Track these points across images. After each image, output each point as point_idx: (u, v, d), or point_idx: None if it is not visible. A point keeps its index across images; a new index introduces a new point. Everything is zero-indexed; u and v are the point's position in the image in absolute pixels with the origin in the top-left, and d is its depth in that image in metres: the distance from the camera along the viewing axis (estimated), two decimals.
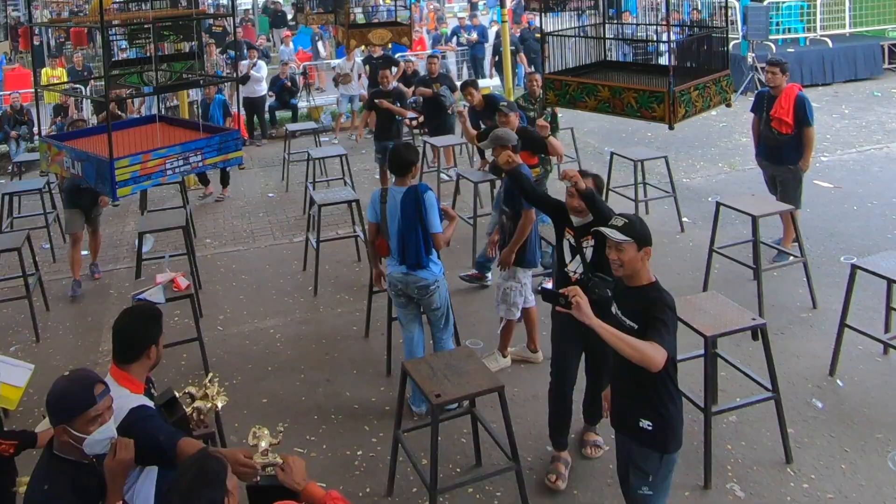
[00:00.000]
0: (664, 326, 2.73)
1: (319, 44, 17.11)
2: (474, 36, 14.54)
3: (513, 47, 12.22)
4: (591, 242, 3.62)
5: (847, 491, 3.66)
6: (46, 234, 7.37)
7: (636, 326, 2.78)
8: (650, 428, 2.87)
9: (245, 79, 10.69)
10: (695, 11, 5.11)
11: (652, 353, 2.62)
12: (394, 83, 8.26)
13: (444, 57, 13.55)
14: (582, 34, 4.48)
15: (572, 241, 3.73)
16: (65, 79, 12.16)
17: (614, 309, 2.98)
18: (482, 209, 6.86)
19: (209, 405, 3.00)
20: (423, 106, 9.03)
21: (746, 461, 3.92)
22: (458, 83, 8.59)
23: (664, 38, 3.98)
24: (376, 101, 8.22)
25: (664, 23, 4.02)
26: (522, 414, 4.34)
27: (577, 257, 3.69)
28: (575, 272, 3.68)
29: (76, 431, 2.28)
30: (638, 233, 2.89)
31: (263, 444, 2.52)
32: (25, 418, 4.63)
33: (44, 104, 11.35)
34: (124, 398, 2.53)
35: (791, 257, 5.85)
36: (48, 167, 4.02)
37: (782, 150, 6.02)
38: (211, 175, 9.04)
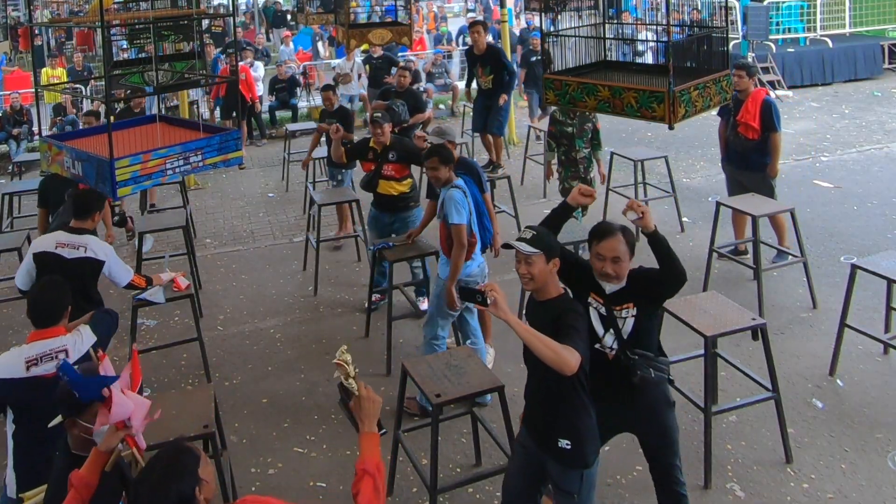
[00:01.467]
0: (576, 332, 2.73)
1: (319, 44, 17.11)
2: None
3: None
4: (633, 311, 2.99)
5: (847, 491, 3.66)
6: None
7: None
8: (569, 447, 2.87)
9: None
10: (694, 11, 5.09)
11: (567, 356, 2.62)
12: (338, 104, 7.41)
13: (448, 57, 13.56)
14: (581, 34, 4.47)
15: (602, 310, 3.05)
16: (65, 79, 12.16)
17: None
18: None
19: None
20: None
21: (746, 461, 3.92)
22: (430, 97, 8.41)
23: (664, 38, 3.97)
24: (319, 127, 7.51)
25: (661, 22, 4.02)
26: None
27: (612, 330, 3.04)
28: (611, 349, 3.03)
29: (85, 423, 2.37)
30: (547, 245, 2.88)
31: (351, 371, 2.48)
32: None
33: (44, 104, 11.36)
34: (72, 334, 3.09)
35: (790, 256, 5.86)
36: (48, 167, 4.02)
37: (749, 156, 5.96)
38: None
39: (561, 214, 3.21)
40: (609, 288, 3.01)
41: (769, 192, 5.92)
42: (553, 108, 6.63)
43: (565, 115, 6.38)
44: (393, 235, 5.42)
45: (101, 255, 4.13)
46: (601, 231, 3.01)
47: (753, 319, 3.96)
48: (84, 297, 4.02)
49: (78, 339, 3.11)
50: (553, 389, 2.84)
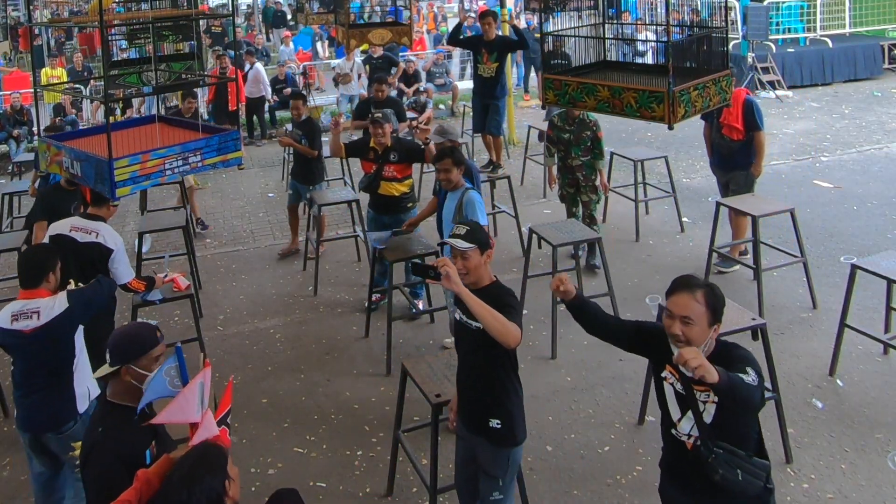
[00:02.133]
0: (514, 310, 2.84)
1: (318, 44, 17.12)
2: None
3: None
4: (714, 395, 2.40)
5: (847, 491, 3.66)
6: None
7: (481, 326, 2.81)
8: (499, 426, 2.95)
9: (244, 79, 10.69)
10: (693, 13, 5.09)
11: (513, 329, 2.73)
12: (305, 115, 6.97)
13: (448, 57, 13.55)
14: (580, 34, 4.47)
15: (679, 387, 2.52)
16: (65, 79, 12.16)
17: (458, 315, 3.01)
18: None
19: None
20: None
21: None
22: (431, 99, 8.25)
23: (664, 38, 3.97)
24: (279, 139, 7.18)
25: (661, 22, 4.02)
26: None
27: (689, 413, 2.50)
28: (689, 436, 2.51)
29: (140, 369, 2.56)
30: (480, 238, 2.95)
31: None
32: None
33: (43, 104, 11.35)
34: (52, 298, 3.31)
35: (738, 265, 5.93)
36: (47, 167, 4.02)
37: (734, 157, 5.97)
38: None
39: (578, 306, 2.79)
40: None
41: (748, 189, 5.97)
42: (554, 110, 6.60)
43: (563, 121, 6.18)
44: (394, 230, 5.41)
45: (111, 244, 4.18)
46: (676, 283, 2.54)
47: (753, 319, 3.96)
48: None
49: (51, 305, 3.31)
50: (483, 371, 2.92)
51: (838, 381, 4.55)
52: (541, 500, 3.70)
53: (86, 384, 3.47)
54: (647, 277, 6.08)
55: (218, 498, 2.08)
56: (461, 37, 8.30)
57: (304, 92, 7.56)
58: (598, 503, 3.71)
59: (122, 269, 4.25)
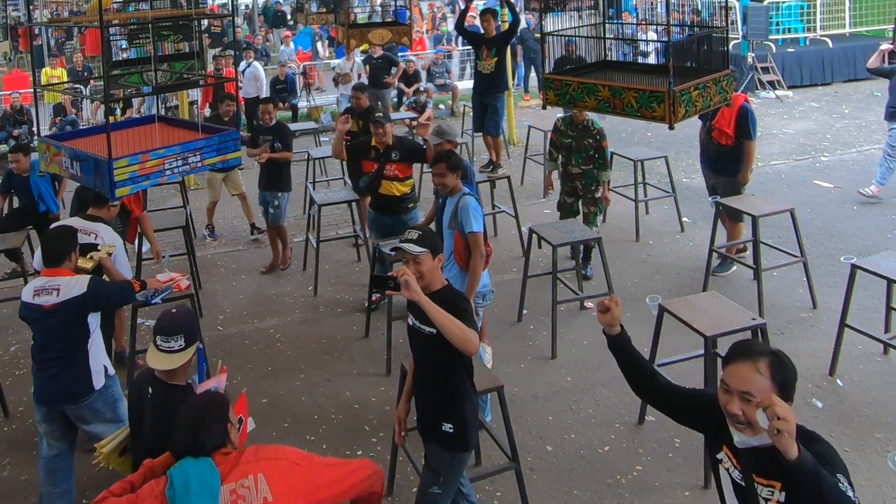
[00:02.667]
0: (469, 315, 2.84)
1: (318, 44, 17.11)
2: None
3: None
4: (780, 496, 2.02)
5: None
6: None
7: (435, 331, 2.82)
8: (451, 431, 2.96)
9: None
10: (693, 14, 5.08)
11: (472, 336, 2.73)
12: (275, 120, 6.61)
13: (448, 57, 13.55)
14: (581, 34, 4.47)
15: (737, 475, 2.12)
16: (65, 79, 12.16)
17: (410, 321, 3.03)
18: None
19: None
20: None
21: None
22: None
23: (664, 38, 3.97)
24: (256, 159, 6.60)
25: (661, 22, 4.02)
26: (522, 414, 4.34)
27: None
28: None
29: None
30: (431, 243, 2.97)
31: None
32: (26, 418, 4.63)
33: (44, 104, 11.36)
34: (75, 277, 3.53)
35: (735, 266, 5.90)
36: (47, 167, 4.02)
37: (722, 161, 5.95)
38: None
39: (621, 348, 2.47)
40: (739, 440, 2.05)
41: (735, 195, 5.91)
42: (558, 117, 6.52)
43: (567, 126, 5.97)
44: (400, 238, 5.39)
45: (109, 244, 4.24)
46: (734, 350, 2.13)
47: (753, 319, 3.96)
48: None
49: (71, 284, 3.49)
50: (438, 376, 2.92)
51: (838, 381, 4.55)
52: (541, 500, 3.70)
53: (101, 362, 3.62)
54: (647, 277, 6.08)
55: (221, 443, 2.29)
56: (467, 28, 8.19)
57: (274, 99, 7.18)
58: (598, 503, 3.71)
59: (120, 270, 4.28)
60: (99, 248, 4.07)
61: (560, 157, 6.05)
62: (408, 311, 3.08)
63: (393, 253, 5.15)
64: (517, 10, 7.77)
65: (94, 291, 3.53)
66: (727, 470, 2.15)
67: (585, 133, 5.86)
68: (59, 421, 3.62)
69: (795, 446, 1.80)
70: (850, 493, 1.90)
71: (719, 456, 2.18)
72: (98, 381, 3.57)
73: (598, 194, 5.94)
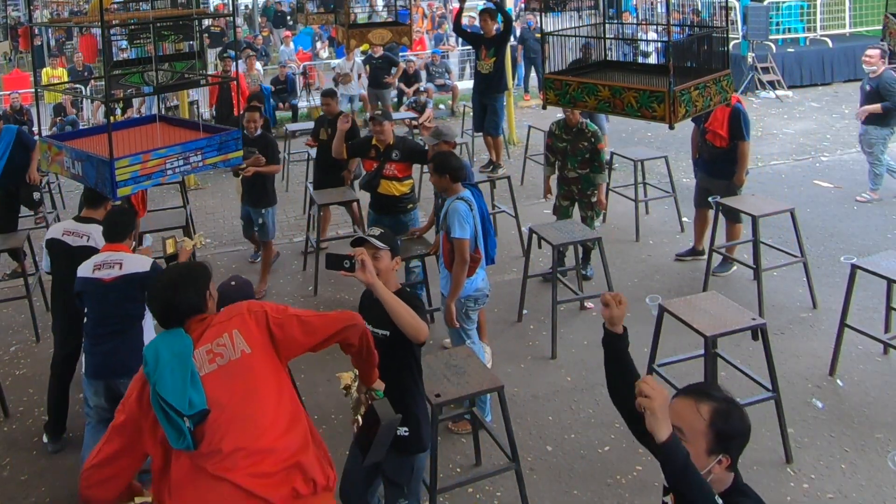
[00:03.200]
0: (422, 313, 2.88)
1: (318, 43, 17.10)
2: None
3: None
4: None
5: (847, 491, 3.66)
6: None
7: (388, 333, 2.85)
8: (407, 434, 2.97)
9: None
10: (693, 14, 5.08)
11: (423, 324, 2.78)
12: (260, 130, 6.23)
13: (445, 57, 13.55)
14: (581, 34, 4.47)
15: None
16: (66, 79, 12.17)
17: None
18: None
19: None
20: (317, 153, 7.10)
21: (746, 461, 3.90)
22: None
23: (664, 37, 3.97)
24: (242, 174, 6.12)
25: (661, 22, 4.02)
26: (522, 414, 4.34)
27: None
28: None
29: None
30: (392, 242, 3.04)
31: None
32: (26, 418, 4.63)
33: (44, 104, 11.35)
34: (137, 256, 3.78)
35: (735, 266, 5.91)
36: (48, 167, 4.02)
37: (716, 164, 5.93)
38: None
39: (613, 348, 2.32)
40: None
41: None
42: (553, 121, 6.45)
43: (562, 129, 5.88)
44: (402, 238, 5.40)
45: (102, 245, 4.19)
46: (688, 387, 2.11)
47: (753, 319, 3.97)
48: None
49: (135, 260, 3.71)
50: (390, 378, 2.88)
51: (838, 381, 4.56)
52: (541, 500, 3.70)
53: (152, 335, 3.67)
54: (647, 277, 6.09)
55: (197, 306, 2.35)
56: (465, 28, 8.13)
57: (259, 107, 6.56)
58: (598, 503, 3.71)
59: None
60: (183, 239, 4.22)
61: (556, 161, 6.00)
62: (360, 311, 3.04)
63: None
64: (509, 12, 7.78)
65: (155, 273, 3.65)
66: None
67: (580, 136, 5.79)
68: (110, 398, 3.70)
69: (665, 429, 1.80)
70: None
71: (665, 499, 2.13)
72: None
73: (595, 198, 5.88)
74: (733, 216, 5.86)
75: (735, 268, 5.97)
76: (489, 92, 7.34)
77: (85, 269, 3.70)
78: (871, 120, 7.18)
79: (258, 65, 12.40)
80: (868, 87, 7.14)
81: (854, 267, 4.56)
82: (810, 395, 4.42)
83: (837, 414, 4.26)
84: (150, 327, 3.76)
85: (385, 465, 3.03)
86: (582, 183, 5.86)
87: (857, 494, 3.63)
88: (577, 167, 5.83)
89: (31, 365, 5.21)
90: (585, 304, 5.61)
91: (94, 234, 4.21)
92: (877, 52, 7.15)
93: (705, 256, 5.94)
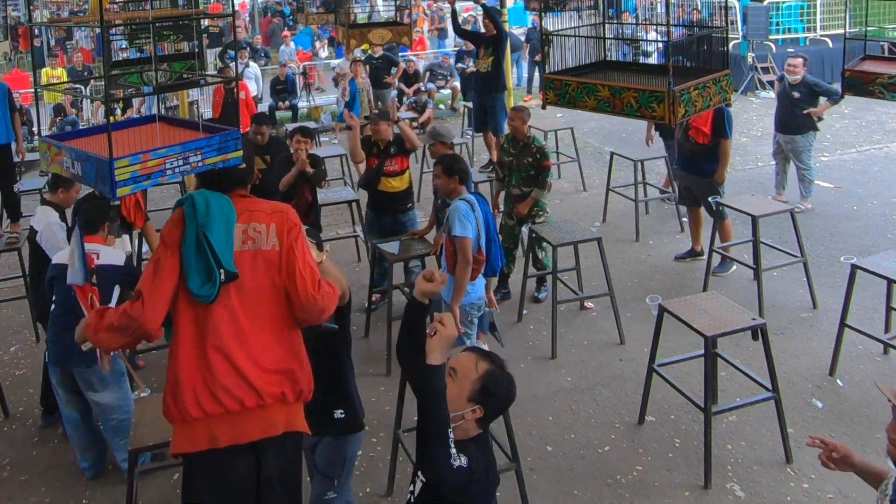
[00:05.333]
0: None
1: (317, 43, 17.08)
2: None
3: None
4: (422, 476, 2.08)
5: (847, 491, 3.66)
6: None
7: None
8: (343, 416, 2.98)
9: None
10: (694, 11, 5.09)
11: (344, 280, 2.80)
12: (269, 134, 6.14)
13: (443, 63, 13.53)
14: (582, 34, 4.48)
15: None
16: (65, 79, 12.16)
17: None
18: None
19: None
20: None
21: (746, 461, 3.92)
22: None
23: (664, 37, 3.97)
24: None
25: (662, 22, 4.02)
26: (522, 414, 4.34)
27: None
28: None
29: None
30: (318, 239, 3.08)
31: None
32: (26, 418, 4.63)
33: (43, 104, 11.35)
34: (113, 249, 3.91)
35: (735, 265, 5.89)
36: (48, 167, 4.01)
37: (697, 161, 5.93)
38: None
39: (415, 316, 2.28)
40: None
41: (714, 196, 5.92)
42: (503, 136, 6.02)
43: (509, 143, 5.60)
44: (402, 238, 5.39)
45: (37, 225, 4.47)
46: (473, 348, 2.44)
47: (753, 319, 3.96)
48: None
49: (110, 252, 3.84)
50: (324, 361, 2.84)
51: (838, 381, 4.56)
52: (541, 500, 3.70)
53: None
54: (647, 277, 6.09)
55: (242, 181, 2.62)
56: (464, 28, 8.09)
57: (266, 120, 6.31)
58: (598, 503, 3.71)
59: (49, 248, 4.40)
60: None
61: (505, 176, 5.70)
62: None
63: (394, 252, 5.16)
64: (499, 20, 7.78)
65: (129, 269, 3.81)
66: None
67: (525, 151, 5.49)
68: (70, 388, 3.82)
69: (440, 356, 2.02)
70: (458, 462, 1.96)
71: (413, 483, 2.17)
72: None
73: (540, 220, 5.56)
74: (718, 215, 5.87)
75: (735, 267, 5.97)
76: (487, 91, 7.34)
77: (60, 256, 3.78)
78: (795, 129, 7.13)
79: (253, 62, 12.35)
80: (797, 94, 7.05)
81: (854, 267, 4.57)
82: (810, 395, 4.42)
83: (837, 414, 4.26)
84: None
85: (318, 453, 3.01)
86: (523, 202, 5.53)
87: (857, 494, 3.63)
88: (521, 183, 5.53)
89: (31, 365, 5.20)
90: (585, 304, 5.61)
91: (38, 214, 4.52)
92: (800, 60, 7.23)
93: (704, 257, 5.95)
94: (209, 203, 2.40)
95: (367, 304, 5.59)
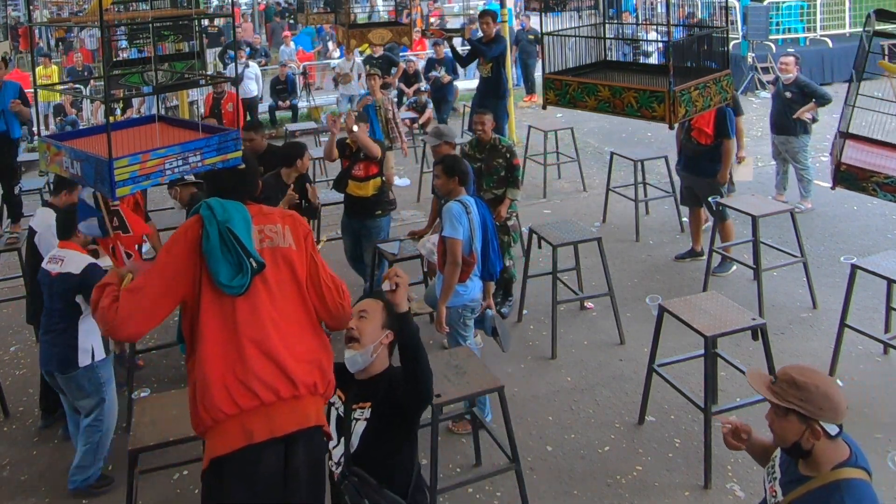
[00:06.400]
0: None
1: (330, 43, 17.01)
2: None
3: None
4: (366, 413, 2.46)
5: None
6: None
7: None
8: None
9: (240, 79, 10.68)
10: (692, 17, 5.12)
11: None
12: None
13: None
14: (581, 34, 4.48)
15: (341, 409, 2.54)
16: (55, 78, 12.15)
17: None
18: None
19: None
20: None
21: (746, 461, 3.91)
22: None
23: (664, 38, 3.97)
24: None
25: (662, 22, 4.02)
26: (522, 414, 4.34)
27: (343, 440, 2.47)
28: (337, 464, 2.46)
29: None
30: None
31: None
32: (25, 418, 4.63)
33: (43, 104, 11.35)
34: (79, 255, 3.86)
35: (735, 265, 5.89)
36: (47, 167, 4.01)
37: (700, 161, 5.94)
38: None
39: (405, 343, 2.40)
40: (349, 356, 2.48)
41: (715, 196, 5.92)
42: (464, 144, 5.73)
43: (475, 148, 5.41)
44: (402, 239, 5.38)
45: (36, 226, 4.49)
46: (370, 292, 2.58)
47: (753, 319, 3.96)
48: None
49: (73, 260, 3.82)
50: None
51: (838, 381, 4.55)
52: (541, 500, 3.70)
53: (91, 342, 3.81)
54: (647, 277, 6.09)
55: (253, 194, 2.66)
56: (464, 48, 8.04)
57: (260, 129, 5.92)
58: (598, 503, 3.71)
59: (46, 249, 4.36)
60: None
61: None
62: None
63: (395, 253, 5.16)
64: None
65: (85, 278, 3.74)
66: (336, 408, 2.53)
67: (494, 153, 5.35)
68: (58, 387, 3.89)
69: (405, 305, 2.34)
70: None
71: (332, 400, 2.53)
72: (83, 360, 3.77)
73: (511, 221, 5.46)
74: (719, 215, 5.87)
75: (735, 268, 5.97)
76: (487, 96, 7.35)
77: (44, 261, 3.95)
78: (789, 130, 7.14)
79: (252, 63, 12.34)
80: (789, 94, 7.07)
81: (854, 267, 4.57)
82: None
83: None
84: (93, 326, 3.76)
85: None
86: (499, 205, 5.34)
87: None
88: (493, 187, 5.35)
89: (31, 365, 5.20)
90: (585, 304, 5.61)
91: (38, 215, 4.57)
92: (792, 59, 7.22)
93: (704, 257, 5.95)
94: (225, 206, 2.44)
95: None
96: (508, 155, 5.38)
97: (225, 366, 2.32)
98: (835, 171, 4.11)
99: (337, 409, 2.52)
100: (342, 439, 2.45)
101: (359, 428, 2.42)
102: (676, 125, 6.07)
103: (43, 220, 4.51)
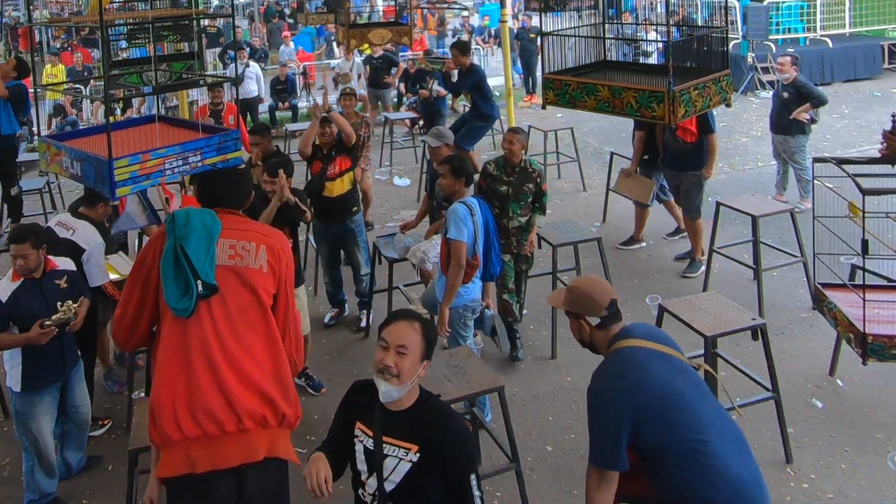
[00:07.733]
0: None
1: (334, 43, 16.99)
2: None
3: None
4: (412, 455, 2.32)
5: (847, 491, 3.66)
6: None
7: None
8: None
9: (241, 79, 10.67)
10: (693, 19, 5.13)
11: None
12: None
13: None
14: (581, 34, 4.48)
15: (369, 442, 2.40)
16: (61, 77, 12.15)
17: None
18: None
19: None
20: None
21: None
22: None
23: (664, 38, 3.97)
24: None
25: (662, 22, 4.02)
26: (522, 414, 4.34)
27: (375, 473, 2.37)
28: (372, 496, 2.38)
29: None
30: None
31: None
32: None
33: (42, 104, 11.35)
34: (93, 232, 4.18)
35: (703, 265, 5.92)
36: (48, 167, 4.02)
37: (686, 158, 5.98)
38: None
39: None
40: (385, 389, 2.28)
41: (698, 193, 5.97)
42: (487, 160, 5.32)
43: (501, 170, 4.83)
44: (398, 234, 5.34)
45: (84, 243, 4.25)
46: (394, 314, 2.44)
47: (753, 319, 3.96)
48: None
49: (87, 234, 4.12)
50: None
51: (838, 381, 4.55)
52: (541, 500, 3.70)
53: (10, 365, 3.73)
54: (647, 277, 6.08)
55: (238, 205, 2.59)
56: (454, 84, 7.74)
57: (266, 132, 5.77)
58: None
59: (95, 271, 4.26)
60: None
61: (493, 207, 4.67)
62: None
63: (395, 255, 5.15)
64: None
65: (87, 259, 4.02)
66: (361, 441, 2.38)
67: (524, 177, 4.80)
68: None
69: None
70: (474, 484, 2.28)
71: (356, 433, 2.41)
72: (12, 384, 3.71)
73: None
74: (692, 213, 5.92)
75: (703, 268, 5.92)
76: (475, 118, 7.32)
77: (52, 222, 4.10)
78: (787, 130, 7.13)
79: (253, 63, 12.33)
80: (786, 95, 7.06)
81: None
82: (810, 395, 4.42)
83: (837, 414, 4.26)
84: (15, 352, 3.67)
85: None
86: (523, 233, 4.92)
87: (856, 494, 3.63)
88: (519, 214, 4.85)
89: None
90: None
91: (81, 229, 4.30)
92: (788, 59, 7.21)
93: (704, 257, 5.95)
94: (190, 217, 2.34)
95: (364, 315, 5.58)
96: (539, 180, 4.85)
97: (175, 390, 2.27)
98: (863, 345, 3.81)
99: (363, 441, 2.37)
100: (374, 473, 2.33)
101: (402, 468, 2.28)
102: (658, 126, 6.13)
103: (90, 237, 4.29)
